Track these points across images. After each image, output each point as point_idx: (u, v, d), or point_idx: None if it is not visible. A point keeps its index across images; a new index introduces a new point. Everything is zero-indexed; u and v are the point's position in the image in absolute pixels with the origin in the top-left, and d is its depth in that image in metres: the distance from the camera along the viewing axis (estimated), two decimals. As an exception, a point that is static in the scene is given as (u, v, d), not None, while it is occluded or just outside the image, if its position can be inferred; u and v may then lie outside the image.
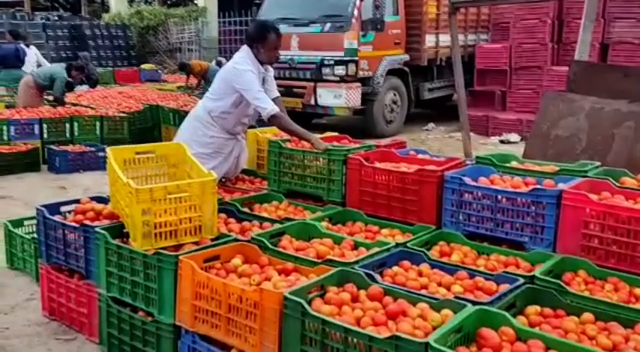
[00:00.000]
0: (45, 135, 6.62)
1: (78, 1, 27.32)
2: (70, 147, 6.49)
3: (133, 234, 2.37)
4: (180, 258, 2.16)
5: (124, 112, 7.60)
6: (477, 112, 9.13)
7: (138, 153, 2.76)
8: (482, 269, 2.21)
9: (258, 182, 3.72)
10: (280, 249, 2.34)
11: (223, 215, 2.78)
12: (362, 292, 1.97)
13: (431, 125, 9.57)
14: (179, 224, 2.37)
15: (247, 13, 18.42)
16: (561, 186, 2.42)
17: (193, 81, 10.59)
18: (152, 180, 2.79)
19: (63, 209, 2.89)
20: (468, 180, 2.53)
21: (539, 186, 2.39)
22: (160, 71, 14.62)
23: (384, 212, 2.80)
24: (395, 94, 8.82)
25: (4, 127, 6.32)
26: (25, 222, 3.57)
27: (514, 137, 8.40)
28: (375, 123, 8.55)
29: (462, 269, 2.15)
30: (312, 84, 8.14)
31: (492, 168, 2.77)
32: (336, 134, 3.75)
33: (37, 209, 2.80)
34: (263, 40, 3.34)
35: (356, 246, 2.42)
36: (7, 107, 8.02)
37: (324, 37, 8.07)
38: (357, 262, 2.12)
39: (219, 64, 11.37)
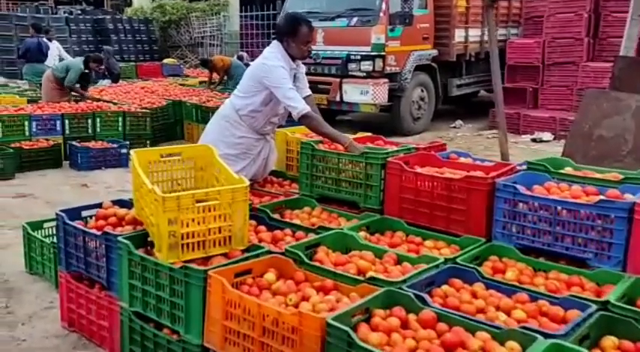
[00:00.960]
0: (67, 131, 6.53)
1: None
2: (91, 144, 6.39)
3: (158, 244, 2.19)
4: (210, 273, 1.97)
5: (146, 108, 7.48)
6: (508, 110, 8.75)
7: (163, 155, 2.58)
8: (542, 289, 1.98)
9: (288, 184, 3.53)
10: (317, 264, 2.14)
11: (253, 222, 2.59)
12: (412, 316, 1.76)
13: (458, 122, 9.27)
14: (207, 234, 2.19)
15: (269, 7, 18.32)
16: (630, 197, 2.17)
17: (216, 76, 10.44)
18: (178, 185, 2.61)
19: (84, 213, 2.73)
20: (522, 188, 2.29)
21: (605, 198, 2.15)
22: (181, 66, 14.51)
23: (426, 221, 2.58)
24: (422, 91, 8.54)
25: (26, 123, 6.23)
26: (45, 225, 3.44)
27: (547, 136, 8.07)
28: (402, 121, 8.29)
29: (520, 290, 1.92)
30: (337, 80, 7.92)
31: (546, 174, 2.52)
32: (369, 134, 3.53)
33: (57, 214, 2.64)
34: (294, 33, 3.13)
35: (399, 261, 2.21)
36: (29, 102, 7.98)
37: (350, 31, 7.83)
38: (404, 281, 1.90)
39: (241, 59, 11.22)
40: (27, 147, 5.98)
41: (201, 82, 11.47)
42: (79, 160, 6.13)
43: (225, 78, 10.39)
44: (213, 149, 2.61)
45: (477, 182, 2.38)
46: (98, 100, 7.61)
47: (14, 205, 4.74)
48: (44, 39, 10.22)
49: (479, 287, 1.96)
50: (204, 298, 2.00)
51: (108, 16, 18.58)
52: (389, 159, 2.72)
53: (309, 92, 3.37)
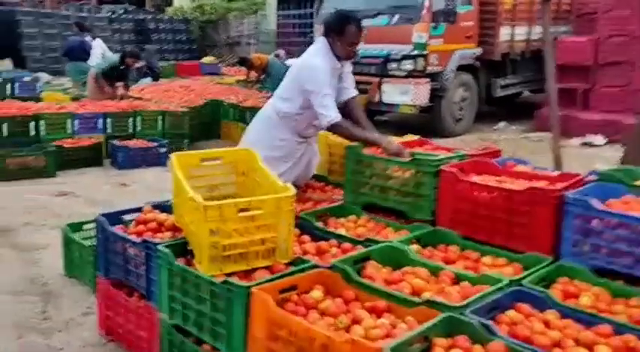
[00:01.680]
0: (108, 130, 6.57)
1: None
2: (132, 143, 6.40)
3: (198, 255, 2.07)
4: (253, 290, 1.84)
5: (185, 107, 7.47)
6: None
7: (204, 159, 2.47)
8: (623, 319, 1.76)
9: (330, 190, 3.37)
10: (367, 281, 1.98)
11: (296, 230, 2.45)
12: (477, 348, 1.57)
13: (502, 124, 8.92)
14: (250, 246, 2.06)
15: (306, 6, 18.23)
16: None
17: (254, 74, 10.39)
18: (218, 191, 2.50)
19: (125, 218, 2.65)
20: (596, 202, 2.06)
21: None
22: (219, 65, 14.58)
23: (483, 235, 2.38)
24: (465, 91, 8.25)
25: (69, 121, 6.29)
26: (84, 227, 3.39)
27: (599, 139, 7.65)
28: (443, 122, 8.03)
29: (601, 320, 1.71)
30: (376, 79, 7.72)
31: (622, 186, 2.28)
32: (416, 137, 3.34)
33: (97, 219, 2.57)
34: (341, 32, 2.97)
35: (457, 279, 2.02)
36: (72, 99, 8.11)
37: (391, 29, 7.62)
38: (466, 306, 1.72)
39: (278, 57, 11.13)
40: (69, 146, 6.03)
41: (238, 81, 11.46)
42: (119, 159, 6.15)
43: (263, 76, 10.34)
44: (256, 153, 2.48)
45: (543, 195, 2.17)
46: (121, 98, 7.60)
47: (55, 204, 4.76)
48: (87, 37, 10.40)
49: (552, 315, 1.76)
50: (246, 315, 1.87)
51: (149, 16, 18.90)
52: (442, 167, 2.53)
53: (354, 92, 3.21)
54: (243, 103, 7.88)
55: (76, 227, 3.37)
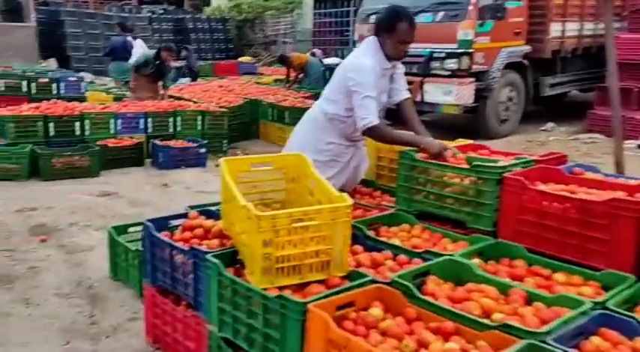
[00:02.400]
0: (149, 130, 6.61)
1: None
2: (172, 143, 6.42)
3: (250, 266, 1.97)
4: (310, 307, 1.72)
5: (224, 107, 7.45)
6: (608, 112, 7.99)
7: (254, 165, 2.37)
8: None
9: (379, 195, 3.24)
10: (430, 299, 1.83)
11: (348, 240, 2.32)
12: (563, 381, 1.41)
13: (550, 125, 8.56)
14: (304, 258, 1.94)
15: (343, 4, 18.08)
16: None
17: (293, 74, 10.32)
18: (268, 198, 2.40)
19: (171, 223, 2.59)
20: (686, 218, 1.86)
21: None
22: (256, 64, 14.59)
23: (552, 249, 2.19)
24: (511, 90, 7.94)
25: (112, 120, 6.35)
26: (130, 229, 3.36)
27: (655, 141, 7.24)
28: (487, 123, 7.76)
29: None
30: (418, 79, 7.51)
31: None
32: (470, 142, 3.16)
33: (144, 224, 2.51)
34: (391, 30, 2.82)
35: (529, 299, 1.85)
36: (115, 99, 8.22)
37: (435, 27, 7.38)
38: (548, 333, 1.55)
39: (314, 56, 11.04)
40: (112, 145, 6.08)
41: (275, 80, 11.43)
42: (160, 159, 6.17)
43: (301, 75, 10.27)
44: (308, 159, 2.36)
45: (626, 206, 1.98)
46: (162, 99, 7.64)
47: (99, 204, 4.78)
48: (129, 37, 10.55)
49: (643, 344, 1.58)
50: (302, 332, 1.76)
51: (188, 16, 19.11)
52: (506, 174, 2.35)
53: (406, 95, 3.06)
54: (282, 103, 7.82)
55: (122, 229, 3.34)
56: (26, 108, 6.01)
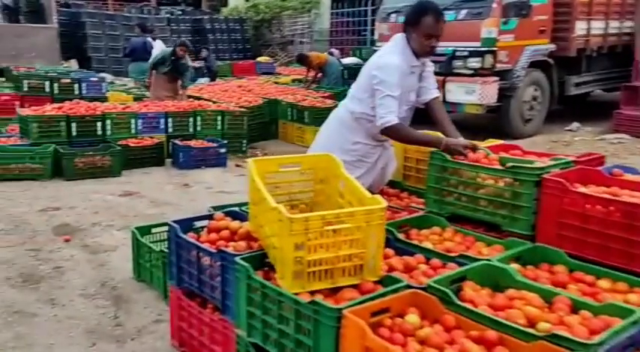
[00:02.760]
0: (170, 129, 6.61)
1: (199, -4, 28.56)
2: (193, 143, 6.41)
3: (280, 270, 1.92)
4: (345, 313, 1.66)
5: (243, 107, 7.43)
6: (634, 112, 7.82)
7: (282, 165, 2.31)
8: None
9: (407, 197, 3.17)
10: (470, 306, 1.75)
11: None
12: (618, 397, 1.33)
13: (575, 125, 8.37)
14: (336, 262, 1.88)
15: (360, 4, 17.98)
16: None
17: (312, 74, 10.26)
18: (296, 199, 2.34)
19: (196, 224, 2.54)
20: None
21: None
22: (274, 64, 14.57)
23: (595, 254, 2.09)
24: (536, 90, 7.78)
25: (133, 120, 6.36)
26: (153, 230, 3.33)
27: (684, 142, 7.03)
28: (511, 123, 7.61)
29: None
30: (440, 78, 7.37)
31: None
32: (501, 142, 3.07)
33: (170, 225, 2.47)
34: (417, 23, 2.73)
35: (575, 308, 1.76)
36: (135, 99, 8.25)
37: (458, 25, 7.25)
38: (600, 344, 1.47)
39: (331, 55, 10.96)
40: (133, 145, 6.09)
41: (294, 80, 11.39)
42: (180, 159, 6.16)
43: (320, 75, 10.20)
44: (338, 160, 2.30)
45: (676, 211, 1.87)
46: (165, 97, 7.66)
47: (121, 204, 4.78)
48: (149, 38, 10.61)
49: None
50: (336, 339, 1.70)
51: (206, 17, 19.19)
52: (545, 176, 2.26)
53: (435, 93, 2.98)
54: (302, 103, 7.77)
55: (145, 230, 3.31)
56: (49, 109, 6.05)
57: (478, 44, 7.10)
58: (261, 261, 2.12)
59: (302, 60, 10.33)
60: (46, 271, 3.30)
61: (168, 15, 18.95)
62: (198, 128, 6.82)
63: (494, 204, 2.43)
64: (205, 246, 2.32)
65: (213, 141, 6.52)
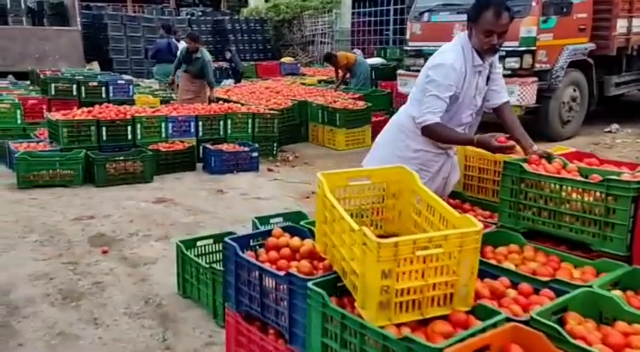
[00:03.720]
0: (200, 133, 6.47)
1: (217, -3, 28.56)
2: (224, 146, 6.26)
3: (362, 299, 1.72)
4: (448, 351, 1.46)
5: (273, 109, 7.27)
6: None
7: (352, 179, 2.12)
8: None
9: (469, 208, 2.95)
10: (584, 345, 1.54)
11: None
12: None
13: (614, 126, 8.05)
14: (426, 291, 1.68)
15: (382, 3, 17.75)
16: None
17: (340, 74, 10.04)
18: (366, 217, 2.14)
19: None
20: None
21: None
22: (298, 64, 14.41)
23: None
24: (575, 90, 7.49)
25: (163, 124, 6.23)
26: (198, 243, 3.16)
27: None
28: (549, 124, 7.33)
29: None
30: (477, 78, 7.13)
31: None
32: (572, 149, 2.85)
33: (227, 243, 2.28)
34: (476, 19, 2.54)
35: None
36: (161, 102, 8.14)
37: (495, 24, 6.99)
38: None
39: (355, 56, 10.76)
40: (164, 150, 5.96)
41: (320, 81, 11.21)
42: (212, 163, 6.01)
43: (348, 76, 10.00)
44: (413, 173, 2.10)
45: None
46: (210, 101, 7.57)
47: (156, 211, 4.63)
48: (173, 39, 10.51)
49: None
50: (433, 382, 1.50)
51: (227, 17, 19.12)
52: (644, 190, 2.03)
53: (505, 97, 2.77)
54: (333, 105, 7.58)
55: (190, 243, 3.14)
56: (79, 113, 5.94)
57: (516, 44, 6.83)
58: (333, 285, 1.93)
59: (329, 59, 10.13)
60: (86, 287, 3.15)
61: (189, 16, 18.92)
62: (229, 131, 6.67)
63: (583, 220, 2.20)
64: (266, 265, 2.14)
65: (244, 145, 6.37)
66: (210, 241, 3.20)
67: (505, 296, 1.91)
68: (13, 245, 3.76)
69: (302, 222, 2.52)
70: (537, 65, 6.91)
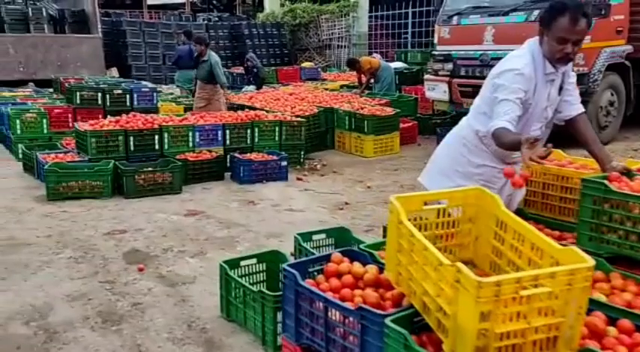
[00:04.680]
0: (227, 142, 6.33)
1: (231, 2, 28.59)
2: (253, 156, 6.11)
3: (453, 343, 1.54)
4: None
5: (299, 116, 7.10)
6: None
7: (427, 202, 1.94)
8: None
9: (539, 227, 2.74)
10: None
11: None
12: None
13: (652, 131, 7.76)
14: (528, 334, 1.49)
15: (400, 6, 17.54)
16: None
17: (364, 79, 9.86)
18: (439, 242, 1.96)
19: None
20: None
21: None
22: (319, 69, 14.25)
23: None
24: (612, 94, 7.22)
25: (190, 133, 6.10)
26: (242, 263, 3.00)
27: None
28: (586, 130, 7.05)
29: None
30: (510, 83, 6.90)
31: None
32: (645, 163, 2.63)
33: (285, 270, 2.12)
34: (549, 25, 2.34)
35: None
36: (185, 110, 8.03)
37: (529, 26, 6.72)
38: None
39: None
40: (193, 159, 5.83)
41: (342, 86, 11.03)
42: (241, 173, 5.86)
43: (372, 81, 9.83)
44: (495, 196, 1.91)
45: None
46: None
47: (188, 225, 4.48)
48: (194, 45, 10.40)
49: None
50: None
51: (244, 22, 19.05)
52: None
53: (580, 109, 2.58)
54: (361, 111, 7.40)
55: (234, 263, 2.98)
56: (107, 123, 5.83)
57: (553, 47, 6.58)
58: (411, 320, 1.75)
59: (352, 65, 9.96)
60: (125, 308, 3.00)
61: (205, 21, 18.89)
62: (256, 139, 6.52)
63: (679, 246, 2.00)
64: (330, 295, 1.97)
65: (272, 154, 6.21)
66: (254, 261, 3.04)
67: (606, 336, 1.72)
68: (48, 262, 3.63)
69: (361, 246, 2.35)
70: (575, 68, 6.63)
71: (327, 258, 2.24)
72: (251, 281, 2.97)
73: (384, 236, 2.90)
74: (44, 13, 13.68)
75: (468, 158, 2.58)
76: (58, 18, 14.00)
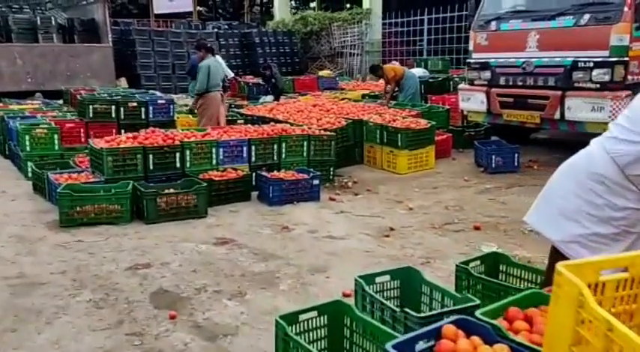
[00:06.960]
0: (253, 158, 5.83)
1: (237, 11, 28.30)
2: (282, 174, 5.60)
3: None
4: None
5: (326, 129, 6.60)
6: None
7: (603, 271, 1.41)
8: None
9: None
10: None
11: None
12: None
13: None
14: None
15: (415, 13, 17.10)
16: None
17: (390, 88, 9.36)
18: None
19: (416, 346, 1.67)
20: None
21: None
22: (337, 78, 13.77)
23: None
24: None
25: (214, 150, 5.60)
26: (300, 317, 2.47)
27: None
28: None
29: None
30: (558, 93, 6.39)
31: None
32: None
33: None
34: None
35: None
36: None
37: (579, 31, 6.27)
38: None
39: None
40: (217, 179, 5.32)
41: (364, 95, 10.54)
42: (270, 194, 5.34)
43: (397, 90, 9.33)
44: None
45: None
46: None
47: (220, 257, 3.96)
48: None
49: None
50: None
51: (254, 30, 18.65)
52: None
53: None
54: (393, 124, 6.89)
55: (291, 319, 2.45)
56: (124, 139, 5.34)
57: (606, 53, 6.07)
58: None
59: (375, 71, 9.48)
60: (160, 372, 2.48)
61: (215, 29, 18.49)
62: (283, 156, 6.02)
63: None
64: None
65: (302, 172, 5.70)
66: (314, 313, 2.51)
67: None
68: (64, 307, 3.12)
69: (477, 313, 1.82)
70: (630, 77, 6.14)
71: (437, 332, 1.71)
72: (309, 338, 2.45)
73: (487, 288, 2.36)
74: (53, 22, 13.29)
75: (607, 199, 2.03)
76: (67, 27, 13.61)
